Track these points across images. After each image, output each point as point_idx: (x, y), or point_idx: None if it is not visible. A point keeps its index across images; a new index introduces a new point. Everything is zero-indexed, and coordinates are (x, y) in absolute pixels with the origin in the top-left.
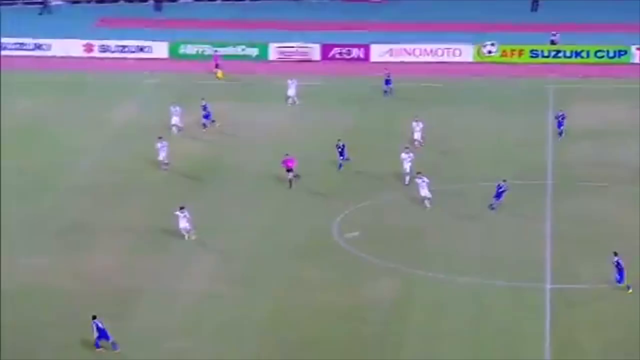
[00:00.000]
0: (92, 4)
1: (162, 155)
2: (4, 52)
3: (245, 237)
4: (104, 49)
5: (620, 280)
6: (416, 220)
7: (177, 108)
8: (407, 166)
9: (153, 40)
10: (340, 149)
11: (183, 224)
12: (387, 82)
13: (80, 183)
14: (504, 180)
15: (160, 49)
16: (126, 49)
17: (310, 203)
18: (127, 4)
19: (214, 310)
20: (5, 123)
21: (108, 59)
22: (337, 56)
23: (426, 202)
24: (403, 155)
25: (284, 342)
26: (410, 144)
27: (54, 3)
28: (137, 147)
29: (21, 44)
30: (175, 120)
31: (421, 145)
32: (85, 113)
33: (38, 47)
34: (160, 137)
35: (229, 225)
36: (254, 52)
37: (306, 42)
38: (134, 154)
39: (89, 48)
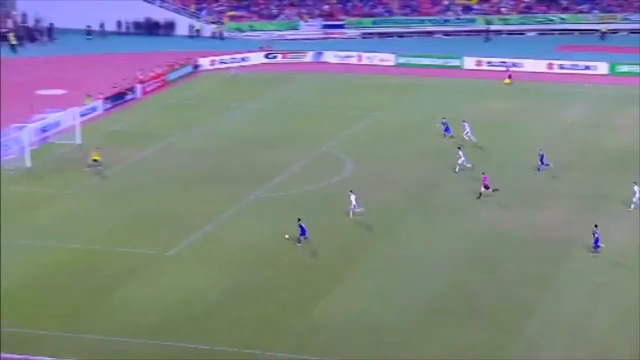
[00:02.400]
0: (555, 35)
1: (461, 160)
2: (490, 67)
3: None
4: (561, 66)
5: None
6: None
7: (466, 124)
8: None
9: (597, 61)
10: (540, 156)
11: (354, 203)
12: None
13: (529, 162)
14: None
15: (602, 68)
16: (577, 67)
17: None
18: (579, 35)
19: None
20: (487, 117)
21: (564, 74)
22: None
23: None
24: None
25: None
26: None
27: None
28: (582, 137)
29: (503, 62)
30: (467, 132)
31: None
32: (543, 112)
33: (514, 65)
34: (459, 147)
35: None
36: None
37: None
38: (578, 142)
39: (550, 66)
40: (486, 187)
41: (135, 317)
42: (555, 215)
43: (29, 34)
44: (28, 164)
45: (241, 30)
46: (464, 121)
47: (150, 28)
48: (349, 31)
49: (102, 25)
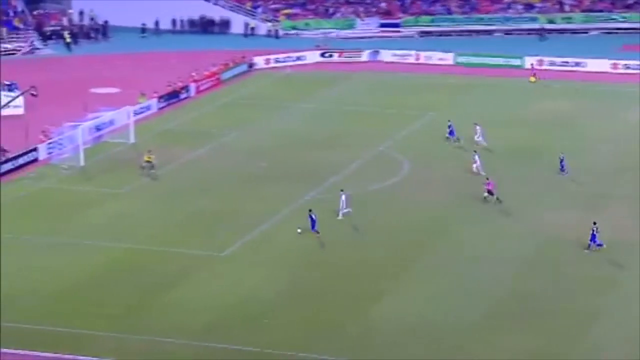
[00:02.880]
0: (620, 34)
1: (475, 166)
2: (555, 67)
3: None
4: (626, 67)
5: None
6: None
7: (478, 127)
8: None
9: None
10: (561, 160)
11: (343, 203)
12: None
13: (598, 165)
14: None
15: None
16: None
17: None
18: None
19: None
20: (548, 117)
21: (629, 74)
22: None
23: None
24: None
25: None
26: None
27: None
28: None
29: (565, 62)
30: (478, 135)
31: None
32: (606, 112)
33: (577, 64)
34: (475, 151)
35: None
36: None
37: None
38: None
39: (615, 66)
40: (490, 193)
41: (187, 319)
42: (617, 218)
43: (84, 32)
44: (82, 162)
45: (297, 29)
46: (475, 124)
47: (205, 26)
48: (407, 30)
49: (157, 23)
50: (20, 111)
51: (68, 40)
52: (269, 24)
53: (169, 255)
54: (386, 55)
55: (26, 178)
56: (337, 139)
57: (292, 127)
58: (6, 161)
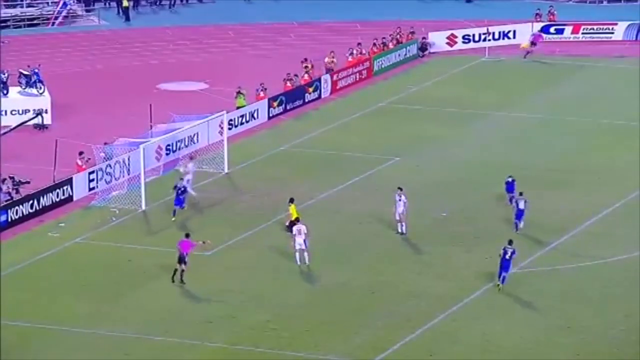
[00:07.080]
0: None
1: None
2: None
3: None
4: None
5: None
6: None
7: (190, 165)
8: None
9: None
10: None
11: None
12: None
13: None
14: None
15: None
16: None
17: None
18: None
19: None
20: None
21: None
22: None
23: None
24: None
25: None
26: None
27: None
28: None
29: None
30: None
31: None
32: None
33: None
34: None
35: None
36: None
37: None
38: None
39: None
40: (181, 260)
41: None
42: None
43: None
44: (143, 205)
45: None
46: (191, 158)
47: None
48: None
49: None
50: (45, 120)
51: (125, 4)
52: None
53: None
54: None
55: (54, 228)
56: (565, 173)
57: (489, 151)
58: (23, 200)
